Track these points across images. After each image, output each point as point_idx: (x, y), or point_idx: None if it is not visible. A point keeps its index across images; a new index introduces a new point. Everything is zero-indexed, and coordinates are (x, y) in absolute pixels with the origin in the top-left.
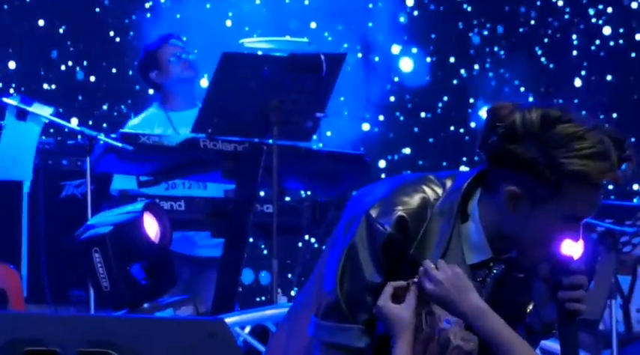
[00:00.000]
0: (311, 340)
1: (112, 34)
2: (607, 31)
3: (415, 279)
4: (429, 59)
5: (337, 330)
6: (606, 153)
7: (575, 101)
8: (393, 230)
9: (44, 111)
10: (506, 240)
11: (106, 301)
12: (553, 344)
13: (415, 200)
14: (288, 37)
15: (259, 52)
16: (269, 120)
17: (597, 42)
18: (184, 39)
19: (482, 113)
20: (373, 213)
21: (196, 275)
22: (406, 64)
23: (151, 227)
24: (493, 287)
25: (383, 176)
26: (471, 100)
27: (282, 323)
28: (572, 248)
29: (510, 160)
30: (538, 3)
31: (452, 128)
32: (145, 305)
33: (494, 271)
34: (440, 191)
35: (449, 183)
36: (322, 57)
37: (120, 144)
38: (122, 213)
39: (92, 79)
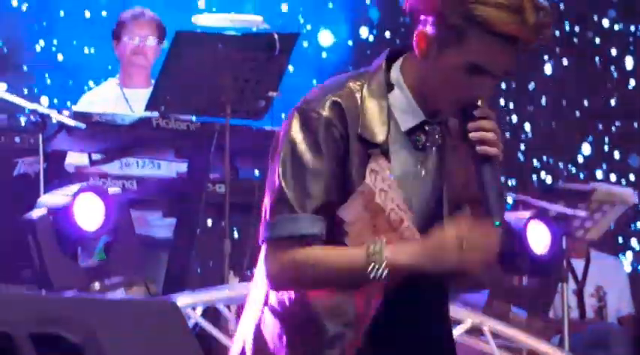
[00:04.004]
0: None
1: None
2: None
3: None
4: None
5: (287, 221)
6: (520, 8)
7: None
8: (329, 113)
9: None
10: (431, 98)
11: (38, 284)
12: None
13: (343, 88)
14: (241, 16)
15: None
16: (222, 99)
17: None
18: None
19: None
20: (304, 106)
21: (148, 256)
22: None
23: (86, 212)
24: (437, 157)
25: None
26: None
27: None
28: (540, 239)
29: (425, 4)
30: None
31: None
32: (96, 286)
33: (432, 137)
34: (362, 80)
35: (368, 72)
36: (275, 36)
37: (73, 122)
38: (63, 194)
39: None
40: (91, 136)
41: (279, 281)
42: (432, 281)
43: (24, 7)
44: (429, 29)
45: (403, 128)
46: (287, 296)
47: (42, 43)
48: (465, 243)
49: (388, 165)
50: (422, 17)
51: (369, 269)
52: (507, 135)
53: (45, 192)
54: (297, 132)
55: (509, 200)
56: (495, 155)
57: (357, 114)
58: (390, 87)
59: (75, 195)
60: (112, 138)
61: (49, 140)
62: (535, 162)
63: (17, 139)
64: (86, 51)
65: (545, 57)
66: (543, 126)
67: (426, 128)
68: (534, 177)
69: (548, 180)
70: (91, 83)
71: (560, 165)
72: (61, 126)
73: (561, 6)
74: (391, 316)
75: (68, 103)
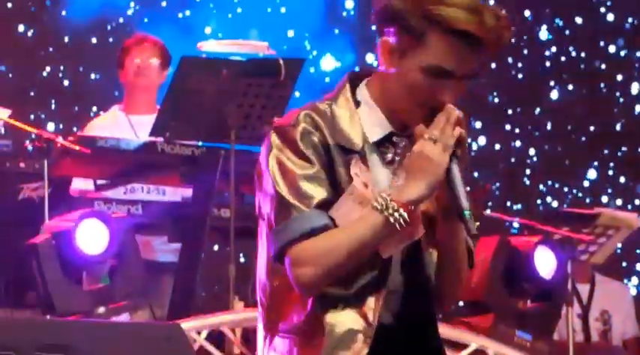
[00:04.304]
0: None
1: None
2: None
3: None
4: None
5: (295, 222)
6: (478, 10)
7: None
8: (304, 123)
9: (2, 113)
10: (399, 110)
11: (42, 308)
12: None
13: (313, 107)
14: (247, 41)
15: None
16: (227, 124)
17: None
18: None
19: None
20: (278, 125)
21: (154, 280)
22: None
23: (89, 237)
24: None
25: None
26: None
27: None
28: (545, 264)
29: (386, 14)
30: None
31: None
32: (101, 310)
33: (400, 150)
34: (328, 101)
35: (331, 94)
36: (281, 61)
37: (77, 147)
38: (67, 219)
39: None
40: (96, 162)
41: (312, 276)
42: (419, 302)
43: (29, 33)
44: (391, 38)
45: (371, 140)
46: (295, 316)
47: (48, 69)
48: (435, 137)
49: (367, 170)
50: (384, 29)
51: (390, 218)
52: (513, 160)
53: (50, 217)
54: (278, 147)
55: (515, 224)
56: (462, 154)
57: (331, 124)
58: (357, 104)
59: (78, 220)
60: (117, 163)
61: (53, 165)
62: (541, 186)
63: (22, 165)
64: (92, 77)
65: (552, 82)
66: (549, 150)
67: (394, 140)
68: (540, 201)
69: (554, 204)
70: (96, 109)
71: (566, 189)
72: (66, 151)
73: (567, 32)
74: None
75: (74, 129)
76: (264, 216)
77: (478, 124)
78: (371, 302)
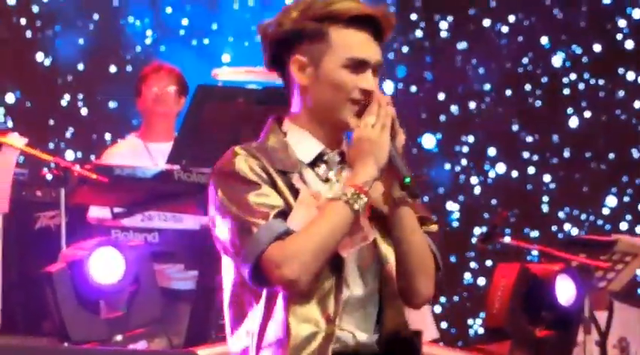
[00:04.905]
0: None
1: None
2: None
3: None
4: None
5: (259, 235)
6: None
7: None
8: (241, 155)
9: (19, 142)
10: (328, 120)
11: (58, 336)
12: None
13: (245, 146)
14: (262, 69)
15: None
16: None
17: None
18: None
19: None
20: (217, 166)
21: (170, 308)
22: None
23: (104, 266)
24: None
25: None
26: None
27: None
28: (564, 291)
29: (281, 39)
30: None
31: None
32: (118, 338)
33: (333, 165)
34: (257, 141)
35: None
36: None
37: (94, 176)
38: (82, 248)
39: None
40: (113, 190)
41: (298, 276)
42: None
43: (47, 62)
44: (300, 56)
45: (305, 161)
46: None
47: (67, 97)
48: (371, 122)
49: (307, 187)
50: (289, 55)
51: (350, 202)
52: (530, 187)
53: (67, 246)
54: (221, 182)
55: (535, 252)
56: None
57: (266, 154)
58: (285, 135)
59: (93, 248)
60: (134, 191)
61: (71, 194)
62: (559, 213)
63: (39, 193)
64: (111, 105)
65: (570, 110)
66: (567, 178)
67: (326, 158)
68: (557, 228)
69: (573, 231)
70: (114, 137)
71: (584, 217)
72: (83, 179)
73: (584, 59)
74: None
75: (92, 157)
76: (226, 250)
77: (493, 151)
78: (332, 305)
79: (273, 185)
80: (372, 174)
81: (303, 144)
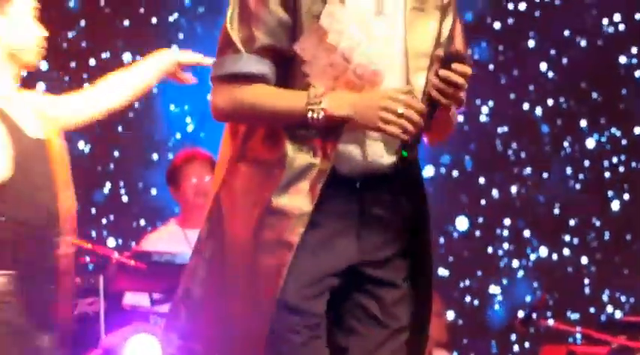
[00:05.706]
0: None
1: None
2: None
3: None
4: None
5: (231, 61)
6: None
7: None
8: None
9: None
10: None
11: None
12: None
13: None
14: None
15: None
16: None
17: None
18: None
19: None
20: None
21: None
22: None
23: (140, 353)
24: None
25: None
26: None
27: None
28: None
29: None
30: None
31: None
32: None
33: None
34: None
35: None
36: None
37: (132, 262)
38: (120, 336)
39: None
40: (151, 276)
41: (221, 114)
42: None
43: (87, 149)
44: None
45: None
46: (260, 140)
47: (108, 185)
48: (394, 108)
49: (342, 7)
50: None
51: (308, 112)
52: (570, 269)
53: (105, 332)
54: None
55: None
56: (445, 103)
57: None
58: None
59: (129, 336)
60: (173, 277)
61: (109, 280)
62: (600, 295)
63: (78, 280)
64: (153, 192)
65: (610, 193)
66: (606, 259)
67: None
68: (595, 310)
69: (616, 314)
70: (153, 224)
71: (624, 298)
72: (122, 266)
73: (624, 141)
74: None
75: (132, 244)
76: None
77: (537, 234)
78: (330, 138)
79: (293, 8)
80: (348, 119)
81: None
